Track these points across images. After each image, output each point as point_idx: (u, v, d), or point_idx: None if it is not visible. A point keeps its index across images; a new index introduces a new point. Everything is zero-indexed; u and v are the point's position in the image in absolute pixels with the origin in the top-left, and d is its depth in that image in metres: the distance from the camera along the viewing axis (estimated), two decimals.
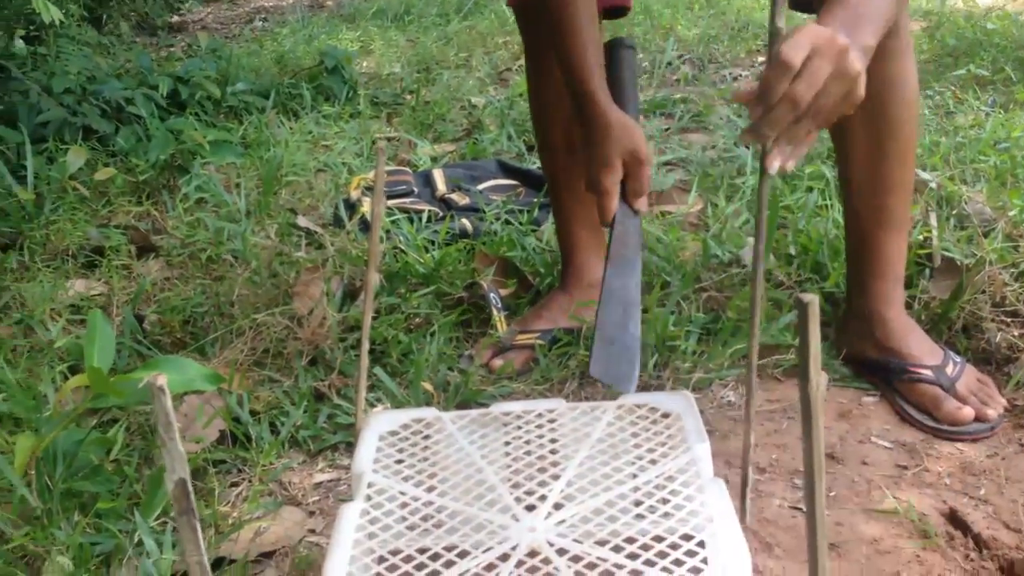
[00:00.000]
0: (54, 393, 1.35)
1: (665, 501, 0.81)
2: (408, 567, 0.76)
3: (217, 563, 1.07)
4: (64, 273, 1.85)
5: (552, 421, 0.95)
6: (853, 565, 1.04)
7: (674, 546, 0.75)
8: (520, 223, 1.88)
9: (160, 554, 1.05)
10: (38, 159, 2.27)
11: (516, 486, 0.85)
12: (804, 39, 0.86)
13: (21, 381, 1.41)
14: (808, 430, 0.57)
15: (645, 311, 1.35)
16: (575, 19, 1.23)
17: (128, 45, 3.91)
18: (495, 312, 1.51)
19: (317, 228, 1.93)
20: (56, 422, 1.19)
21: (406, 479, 0.88)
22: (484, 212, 1.93)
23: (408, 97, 2.97)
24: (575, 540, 0.77)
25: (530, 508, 0.82)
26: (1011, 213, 1.60)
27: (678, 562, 0.73)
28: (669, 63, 3.12)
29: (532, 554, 0.76)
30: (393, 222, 1.90)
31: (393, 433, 0.95)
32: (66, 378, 1.43)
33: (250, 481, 1.24)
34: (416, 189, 2.08)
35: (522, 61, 1.66)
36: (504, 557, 0.75)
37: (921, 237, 1.56)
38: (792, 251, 1.62)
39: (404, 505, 0.84)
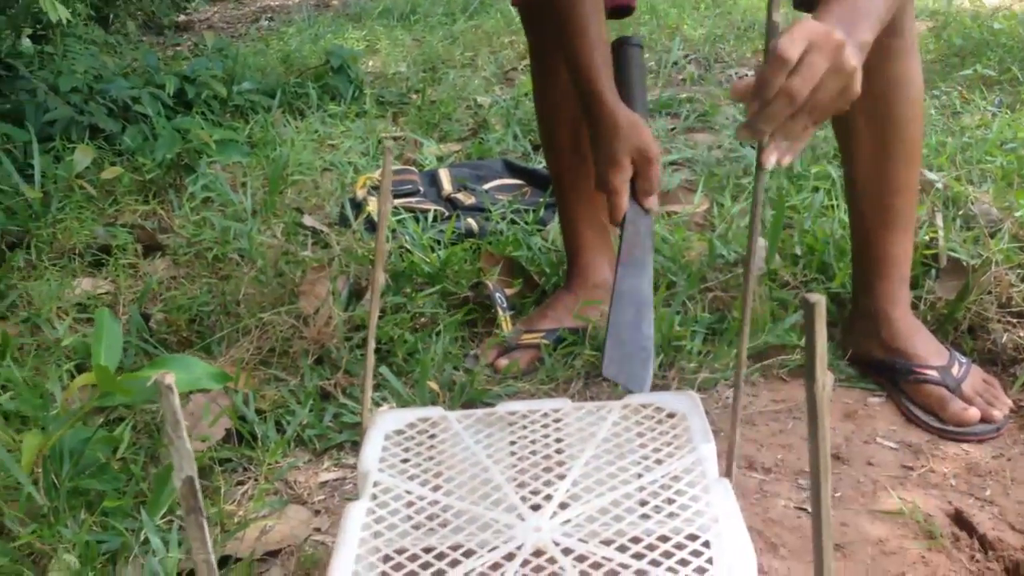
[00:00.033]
0: (61, 391, 1.35)
1: (670, 501, 0.81)
2: (414, 566, 0.76)
3: (223, 561, 1.08)
4: (71, 272, 1.85)
5: (557, 421, 0.95)
6: (858, 566, 1.04)
7: (679, 546, 0.75)
8: (526, 223, 1.88)
9: (166, 552, 1.05)
10: (45, 158, 2.27)
11: (522, 485, 0.85)
12: (801, 34, 0.86)
13: (28, 379, 1.42)
14: (814, 430, 0.57)
15: None
16: (582, 18, 1.23)
17: (135, 44, 3.92)
18: (500, 312, 1.51)
19: (323, 227, 1.93)
20: (63, 420, 1.19)
21: (412, 478, 0.88)
22: (490, 212, 1.93)
23: (414, 96, 2.97)
24: (580, 540, 0.77)
25: (535, 508, 0.82)
26: (1017, 214, 1.59)
27: (683, 562, 0.73)
28: (675, 63, 3.12)
29: (537, 553, 0.76)
30: (399, 221, 1.90)
31: (399, 432, 0.95)
32: (73, 376, 1.43)
33: (256, 480, 1.24)
34: (422, 188, 2.08)
35: (528, 61, 1.65)
36: (509, 556, 0.75)
37: (927, 237, 1.56)
38: (798, 251, 1.62)
39: (410, 504, 0.84)
